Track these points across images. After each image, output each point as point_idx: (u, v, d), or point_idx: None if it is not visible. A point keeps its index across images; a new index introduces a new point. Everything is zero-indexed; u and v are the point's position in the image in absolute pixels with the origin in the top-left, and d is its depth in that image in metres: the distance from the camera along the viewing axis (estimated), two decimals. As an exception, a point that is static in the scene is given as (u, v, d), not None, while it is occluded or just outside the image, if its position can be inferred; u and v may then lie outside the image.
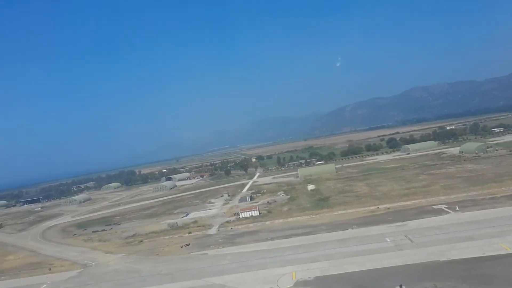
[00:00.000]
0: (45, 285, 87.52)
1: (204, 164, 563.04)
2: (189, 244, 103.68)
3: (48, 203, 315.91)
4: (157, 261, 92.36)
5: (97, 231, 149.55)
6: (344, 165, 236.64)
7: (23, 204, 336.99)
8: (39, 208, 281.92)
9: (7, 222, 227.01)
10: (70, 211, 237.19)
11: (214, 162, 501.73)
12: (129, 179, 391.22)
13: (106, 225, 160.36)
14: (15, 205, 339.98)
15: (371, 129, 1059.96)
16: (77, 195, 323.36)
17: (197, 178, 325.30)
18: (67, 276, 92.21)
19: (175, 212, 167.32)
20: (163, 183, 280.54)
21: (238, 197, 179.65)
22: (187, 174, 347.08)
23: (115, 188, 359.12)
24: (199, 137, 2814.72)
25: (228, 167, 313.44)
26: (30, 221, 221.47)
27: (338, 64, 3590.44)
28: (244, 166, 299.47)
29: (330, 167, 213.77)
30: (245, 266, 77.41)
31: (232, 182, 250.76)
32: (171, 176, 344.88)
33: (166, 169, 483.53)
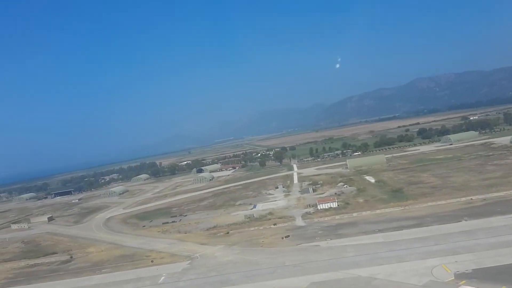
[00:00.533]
0: (163, 277, 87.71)
1: (222, 155, 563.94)
2: (288, 236, 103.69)
3: (82, 195, 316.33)
4: (269, 253, 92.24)
5: (167, 222, 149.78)
6: (393, 155, 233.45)
7: (55, 196, 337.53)
8: (77, 200, 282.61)
9: (54, 215, 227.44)
10: (115, 203, 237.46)
11: (237, 154, 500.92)
12: (156, 171, 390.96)
13: (171, 217, 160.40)
14: (46, 197, 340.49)
15: (381, 120, 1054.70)
16: (113, 187, 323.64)
17: (229, 170, 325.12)
18: (180, 267, 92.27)
19: (237, 203, 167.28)
20: (202, 175, 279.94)
21: (296, 188, 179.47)
22: (217, 166, 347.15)
23: (144, 179, 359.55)
24: (203, 128, 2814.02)
25: (261, 158, 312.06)
26: (77, 213, 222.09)
27: (337, 66, 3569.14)
28: (279, 157, 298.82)
29: (380, 158, 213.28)
30: (378, 258, 77.25)
31: (273, 174, 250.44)
32: (202, 168, 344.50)
33: (187, 161, 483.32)
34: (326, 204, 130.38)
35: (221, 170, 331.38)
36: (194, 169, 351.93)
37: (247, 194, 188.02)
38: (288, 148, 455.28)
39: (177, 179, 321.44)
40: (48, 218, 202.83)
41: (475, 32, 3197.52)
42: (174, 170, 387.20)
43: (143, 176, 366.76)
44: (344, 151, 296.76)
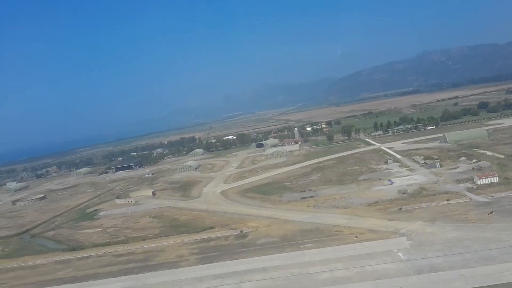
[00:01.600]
0: (400, 253, 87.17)
1: (257, 130, 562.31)
2: (492, 212, 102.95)
3: (147, 169, 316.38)
4: (496, 229, 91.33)
5: (305, 197, 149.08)
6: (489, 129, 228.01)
7: (116, 171, 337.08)
8: (151, 175, 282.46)
9: (140, 189, 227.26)
10: (202, 177, 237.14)
11: (280, 128, 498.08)
12: (209, 145, 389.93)
13: (300, 191, 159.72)
14: (107, 172, 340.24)
15: (403, 93, 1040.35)
16: (176, 161, 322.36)
17: (291, 144, 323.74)
18: (402, 244, 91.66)
19: (361, 178, 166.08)
20: (277, 149, 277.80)
21: (410, 163, 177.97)
22: (276, 141, 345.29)
23: (201, 154, 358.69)
24: (206, 102, 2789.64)
25: (328, 132, 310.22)
26: (171, 187, 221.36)
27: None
28: (347, 131, 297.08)
29: (480, 132, 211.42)
30: None
31: (354, 149, 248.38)
32: (262, 142, 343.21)
33: (230, 135, 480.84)
34: (486, 179, 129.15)
35: (283, 144, 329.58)
36: (253, 144, 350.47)
37: (355, 170, 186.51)
38: (333, 123, 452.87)
39: (241, 154, 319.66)
40: (152, 192, 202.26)
41: (488, 4, 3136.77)
42: (226, 145, 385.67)
43: (199, 150, 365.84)
44: (416, 125, 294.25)
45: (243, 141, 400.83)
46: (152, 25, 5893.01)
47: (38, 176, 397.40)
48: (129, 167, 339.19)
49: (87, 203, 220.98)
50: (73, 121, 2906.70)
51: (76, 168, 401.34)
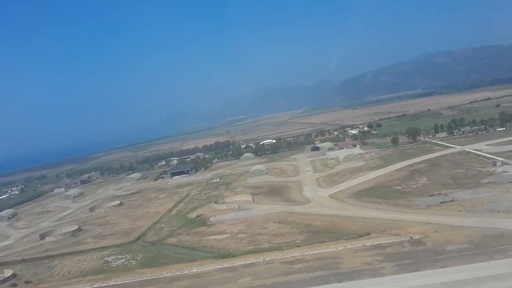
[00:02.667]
0: None
1: (285, 133, 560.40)
2: None
3: (210, 173, 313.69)
4: None
5: (445, 202, 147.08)
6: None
7: (172, 176, 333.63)
8: (219, 179, 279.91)
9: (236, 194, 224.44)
10: (285, 182, 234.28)
11: (316, 130, 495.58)
12: (257, 149, 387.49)
13: (430, 196, 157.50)
14: (162, 177, 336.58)
15: (424, 95, 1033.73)
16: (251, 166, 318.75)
17: (349, 147, 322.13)
18: None
19: (485, 181, 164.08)
20: (348, 152, 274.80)
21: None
22: (331, 144, 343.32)
23: (252, 158, 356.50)
24: (204, 106, 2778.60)
25: (394, 136, 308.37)
26: (261, 192, 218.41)
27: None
28: (413, 133, 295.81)
29: None
30: None
31: (433, 152, 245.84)
32: (317, 146, 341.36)
33: (268, 139, 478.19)
34: None
35: (340, 148, 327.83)
36: (308, 147, 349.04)
37: (464, 173, 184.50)
38: (374, 125, 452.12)
39: (301, 158, 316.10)
40: (252, 197, 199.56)
41: (491, 5, 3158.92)
42: (274, 149, 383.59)
43: (250, 154, 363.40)
44: (482, 127, 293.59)
45: (288, 145, 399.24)
46: (149, 28, 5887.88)
47: (83, 182, 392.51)
48: (185, 172, 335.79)
49: (176, 209, 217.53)
50: (67, 129, 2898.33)
51: (116, 174, 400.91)
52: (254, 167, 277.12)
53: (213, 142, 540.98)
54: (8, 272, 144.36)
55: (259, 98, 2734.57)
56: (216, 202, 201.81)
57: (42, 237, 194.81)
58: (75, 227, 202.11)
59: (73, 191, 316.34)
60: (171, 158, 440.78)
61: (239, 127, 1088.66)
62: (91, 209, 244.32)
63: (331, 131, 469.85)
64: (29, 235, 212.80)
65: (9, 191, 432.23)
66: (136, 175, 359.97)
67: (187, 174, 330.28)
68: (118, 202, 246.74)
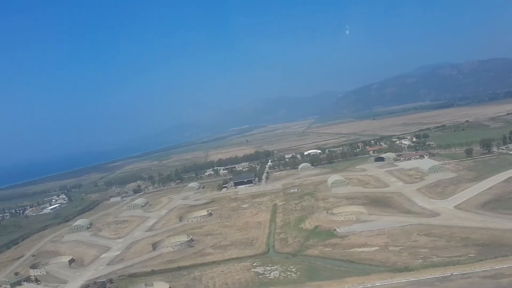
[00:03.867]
0: None
1: (311, 143, 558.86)
2: None
3: (279, 183, 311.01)
4: None
5: None
6: None
7: (235, 186, 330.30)
8: (296, 190, 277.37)
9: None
10: (382, 193, 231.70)
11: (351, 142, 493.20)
12: (312, 159, 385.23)
13: None
14: (225, 187, 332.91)
15: (441, 106, 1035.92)
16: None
17: (416, 158, 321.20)
18: None
19: None
20: (433, 163, 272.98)
21: None
22: (393, 155, 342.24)
23: (312, 168, 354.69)
24: (205, 117, 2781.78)
25: (468, 147, 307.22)
26: (361, 203, 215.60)
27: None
28: (487, 144, 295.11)
29: None
30: None
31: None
32: (382, 156, 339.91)
33: (311, 150, 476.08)
34: None
35: (407, 158, 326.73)
36: (372, 158, 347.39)
37: None
38: (421, 135, 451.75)
39: (370, 168, 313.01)
40: (364, 208, 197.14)
41: (497, 18, 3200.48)
42: (330, 159, 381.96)
43: (307, 165, 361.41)
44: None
45: (342, 155, 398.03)
46: (149, 38, 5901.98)
47: (135, 192, 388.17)
48: (249, 182, 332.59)
49: (278, 219, 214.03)
50: (64, 138, 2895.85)
51: (164, 183, 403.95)
52: (333, 178, 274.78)
53: (248, 152, 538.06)
54: (163, 285, 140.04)
55: (259, 109, 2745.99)
56: (329, 213, 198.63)
57: (154, 247, 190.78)
58: (185, 237, 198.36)
59: (139, 201, 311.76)
60: (218, 168, 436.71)
61: (255, 137, 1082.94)
62: (180, 219, 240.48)
63: (375, 141, 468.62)
64: (132, 245, 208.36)
65: (54, 200, 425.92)
66: (194, 184, 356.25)
67: (252, 184, 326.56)
68: (205, 212, 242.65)
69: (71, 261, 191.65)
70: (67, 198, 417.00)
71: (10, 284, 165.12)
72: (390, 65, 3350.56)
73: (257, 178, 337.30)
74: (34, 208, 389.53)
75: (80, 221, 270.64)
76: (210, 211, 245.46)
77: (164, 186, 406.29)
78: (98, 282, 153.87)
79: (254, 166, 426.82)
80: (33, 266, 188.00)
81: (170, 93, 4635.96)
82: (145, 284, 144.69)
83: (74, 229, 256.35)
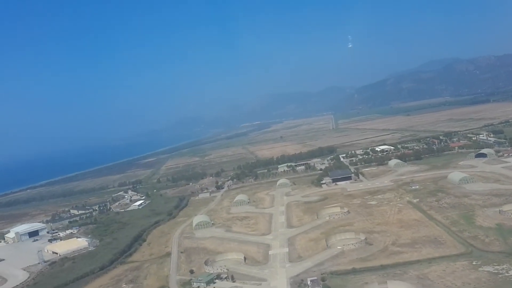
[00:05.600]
0: None
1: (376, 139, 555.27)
2: None
3: (386, 179, 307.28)
4: None
5: None
6: None
7: (334, 182, 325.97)
8: (417, 186, 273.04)
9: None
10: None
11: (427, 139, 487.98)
12: (402, 156, 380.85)
13: None
14: (324, 183, 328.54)
15: (471, 102, 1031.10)
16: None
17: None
18: None
19: None
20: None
21: None
22: (491, 150, 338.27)
23: (405, 165, 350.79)
24: (212, 112, 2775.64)
25: None
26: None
27: (349, 45, 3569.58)
28: None
29: None
30: None
31: None
32: (483, 152, 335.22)
33: (384, 145, 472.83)
34: None
35: (510, 154, 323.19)
36: (472, 154, 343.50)
37: None
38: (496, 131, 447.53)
39: (478, 164, 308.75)
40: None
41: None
42: (419, 156, 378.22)
43: (399, 161, 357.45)
44: None
45: (429, 151, 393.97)
46: (155, 33, 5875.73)
47: (218, 188, 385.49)
48: (348, 178, 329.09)
49: (438, 217, 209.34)
50: (76, 133, 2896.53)
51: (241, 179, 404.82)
52: (456, 175, 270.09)
53: (296, 148, 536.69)
54: (399, 285, 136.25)
55: (267, 104, 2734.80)
56: (500, 211, 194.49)
57: (327, 244, 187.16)
58: (352, 234, 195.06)
59: (240, 197, 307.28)
60: (292, 164, 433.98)
61: (282, 133, 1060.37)
62: (317, 216, 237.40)
63: (446, 137, 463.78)
64: (292, 242, 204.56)
65: (125, 196, 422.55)
66: (284, 180, 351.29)
67: (351, 180, 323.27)
68: (339, 209, 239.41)
69: (244, 258, 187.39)
70: (141, 195, 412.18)
71: (205, 283, 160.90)
72: (395, 60, 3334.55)
73: (355, 175, 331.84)
74: (116, 204, 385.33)
75: (200, 217, 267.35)
76: (345, 208, 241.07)
77: (243, 182, 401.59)
78: (313, 279, 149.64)
79: (325, 162, 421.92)
80: (206, 263, 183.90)
81: (174, 89, 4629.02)
82: (378, 283, 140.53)
83: (201, 225, 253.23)
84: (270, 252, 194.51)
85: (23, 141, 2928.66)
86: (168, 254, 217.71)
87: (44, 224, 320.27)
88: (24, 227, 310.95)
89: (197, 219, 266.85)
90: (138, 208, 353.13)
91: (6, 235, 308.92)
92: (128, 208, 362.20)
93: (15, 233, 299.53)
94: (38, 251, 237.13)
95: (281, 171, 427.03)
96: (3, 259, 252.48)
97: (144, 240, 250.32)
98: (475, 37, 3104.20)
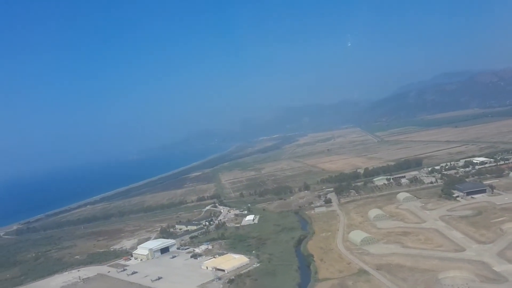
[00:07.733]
0: None
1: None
2: None
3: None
4: None
5: None
6: None
7: (467, 195, 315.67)
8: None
9: None
10: None
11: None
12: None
13: None
14: (458, 196, 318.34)
15: (508, 114, 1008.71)
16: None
17: None
18: None
19: None
20: None
21: None
22: None
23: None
24: (224, 125, 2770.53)
25: None
26: None
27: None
28: None
29: None
30: None
31: None
32: None
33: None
34: None
35: None
36: None
37: None
38: None
39: None
40: None
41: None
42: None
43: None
44: None
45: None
46: (167, 48, 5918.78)
47: (327, 202, 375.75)
48: (483, 191, 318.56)
49: None
50: (90, 147, 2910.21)
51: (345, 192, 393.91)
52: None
53: (364, 161, 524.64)
54: None
55: (280, 117, 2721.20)
56: None
57: None
58: None
59: (376, 212, 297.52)
60: (392, 177, 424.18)
61: (326, 146, 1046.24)
62: (501, 230, 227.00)
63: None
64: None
65: (220, 211, 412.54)
66: (404, 194, 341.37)
67: (487, 193, 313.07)
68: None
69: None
70: (241, 209, 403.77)
71: None
72: (412, 71, 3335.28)
73: (488, 188, 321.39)
74: (225, 220, 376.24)
75: (359, 232, 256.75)
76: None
77: (347, 196, 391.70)
78: None
79: (426, 175, 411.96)
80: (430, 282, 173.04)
81: (183, 103, 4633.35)
82: None
83: (367, 241, 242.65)
84: (495, 269, 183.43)
85: (30, 157, 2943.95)
86: (362, 271, 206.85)
87: (174, 240, 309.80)
88: (154, 244, 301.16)
89: (357, 234, 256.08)
90: (255, 223, 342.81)
91: (134, 252, 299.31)
92: (240, 223, 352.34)
93: (149, 249, 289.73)
94: (208, 268, 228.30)
95: (381, 184, 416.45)
96: (161, 277, 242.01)
97: (310, 256, 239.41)
98: (496, 49, 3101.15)
